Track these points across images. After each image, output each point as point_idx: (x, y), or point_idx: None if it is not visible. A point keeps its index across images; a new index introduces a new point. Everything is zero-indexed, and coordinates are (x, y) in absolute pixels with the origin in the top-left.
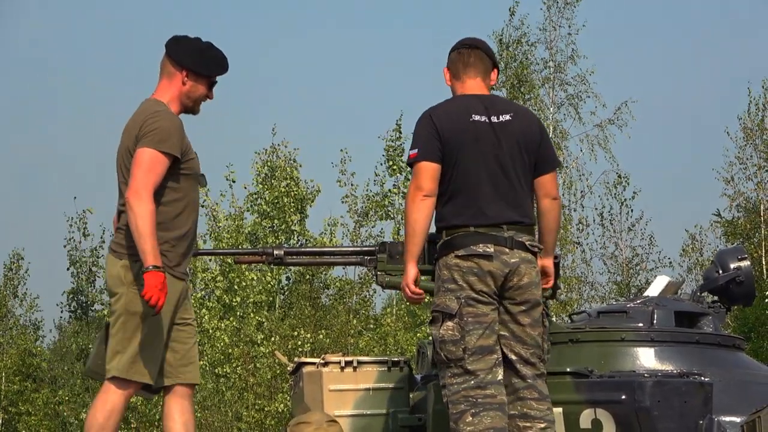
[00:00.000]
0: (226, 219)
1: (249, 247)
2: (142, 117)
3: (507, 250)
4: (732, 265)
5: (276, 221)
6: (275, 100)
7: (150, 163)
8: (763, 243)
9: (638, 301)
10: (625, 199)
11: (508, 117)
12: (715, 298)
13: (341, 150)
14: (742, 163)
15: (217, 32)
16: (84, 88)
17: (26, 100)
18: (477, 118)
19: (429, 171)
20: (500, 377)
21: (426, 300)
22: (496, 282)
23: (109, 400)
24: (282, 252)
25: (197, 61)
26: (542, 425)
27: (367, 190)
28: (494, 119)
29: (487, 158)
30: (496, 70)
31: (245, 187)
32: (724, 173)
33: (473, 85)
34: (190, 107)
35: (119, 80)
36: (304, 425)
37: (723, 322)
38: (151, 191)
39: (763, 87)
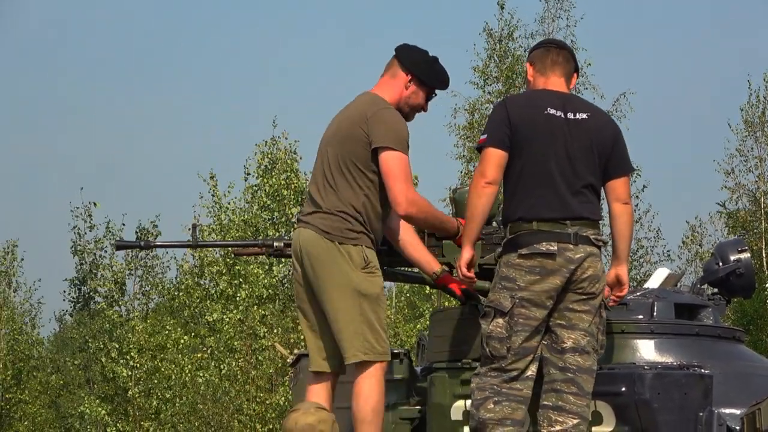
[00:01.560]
0: (233, 212)
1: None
2: (372, 108)
3: (571, 246)
4: (732, 257)
5: (276, 213)
6: (277, 92)
7: (406, 170)
8: (764, 235)
9: (638, 293)
10: (636, 192)
11: (584, 116)
12: (715, 290)
13: None
14: (742, 155)
15: (219, 26)
16: (85, 85)
17: (27, 96)
18: (552, 111)
19: (494, 158)
20: (531, 373)
21: (426, 291)
22: (562, 279)
23: (378, 382)
24: (282, 244)
25: (424, 70)
26: (575, 421)
27: None
28: (570, 116)
29: (557, 152)
30: (576, 75)
31: (245, 179)
32: (725, 165)
33: (557, 83)
34: (406, 113)
35: (119, 78)
36: (294, 412)
37: (723, 314)
38: (415, 193)
39: (764, 80)
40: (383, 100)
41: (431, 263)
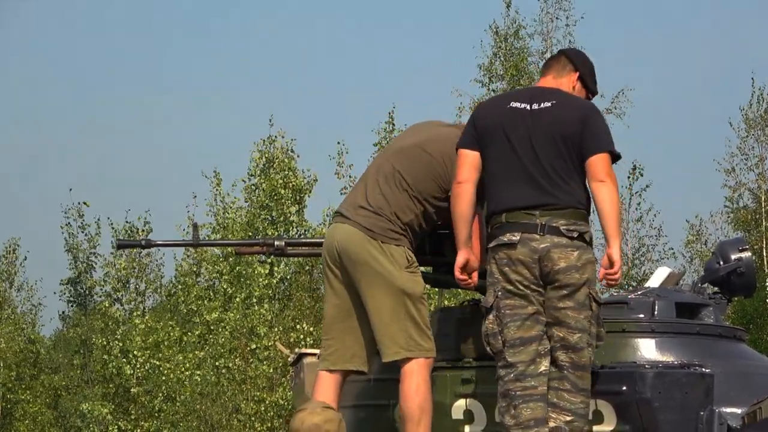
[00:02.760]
0: (236, 211)
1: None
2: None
3: (537, 236)
4: (733, 256)
5: (274, 212)
6: (273, 91)
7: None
8: (764, 234)
9: (639, 292)
10: (639, 191)
11: (548, 104)
12: (716, 289)
13: (338, 143)
14: (743, 154)
15: (217, 25)
16: (82, 84)
17: (23, 94)
18: (516, 105)
19: (463, 158)
20: (543, 368)
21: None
22: (530, 270)
23: (424, 380)
24: (283, 243)
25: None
26: (569, 417)
27: None
28: (534, 106)
29: (519, 143)
30: (575, 74)
31: (244, 180)
32: (725, 164)
33: (544, 82)
34: None
35: (116, 77)
36: (300, 411)
37: (724, 313)
38: None
39: None
40: None
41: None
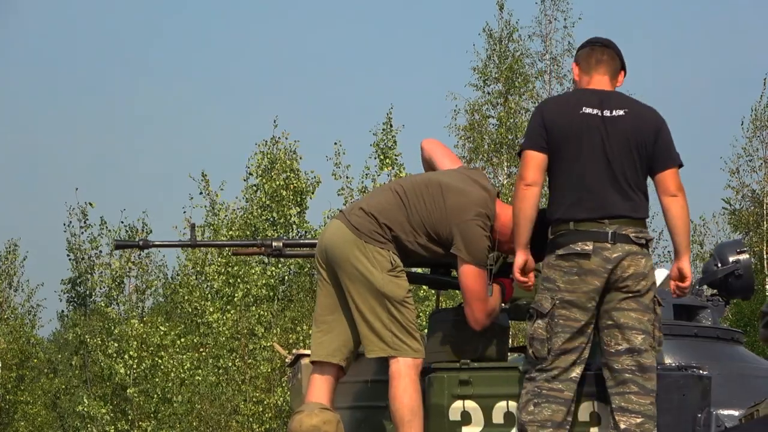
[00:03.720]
0: (230, 211)
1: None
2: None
3: (608, 245)
4: (731, 259)
5: (275, 214)
6: (278, 92)
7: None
8: (766, 236)
9: None
10: None
11: (621, 112)
12: (714, 291)
13: (335, 143)
14: (748, 155)
15: (219, 24)
16: (80, 84)
17: (20, 95)
18: (588, 110)
19: (532, 160)
20: (574, 375)
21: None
22: (600, 279)
23: (412, 381)
24: (281, 244)
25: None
26: (639, 419)
27: (362, 184)
28: (606, 113)
29: (592, 151)
30: (623, 73)
31: (245, 180)
32: (730, 164)
33: (600, 82)
34: None
35: (111, 75)
36: (298, 413)
37: (722, 316)
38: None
39: None
40: None
41: (499, 289)
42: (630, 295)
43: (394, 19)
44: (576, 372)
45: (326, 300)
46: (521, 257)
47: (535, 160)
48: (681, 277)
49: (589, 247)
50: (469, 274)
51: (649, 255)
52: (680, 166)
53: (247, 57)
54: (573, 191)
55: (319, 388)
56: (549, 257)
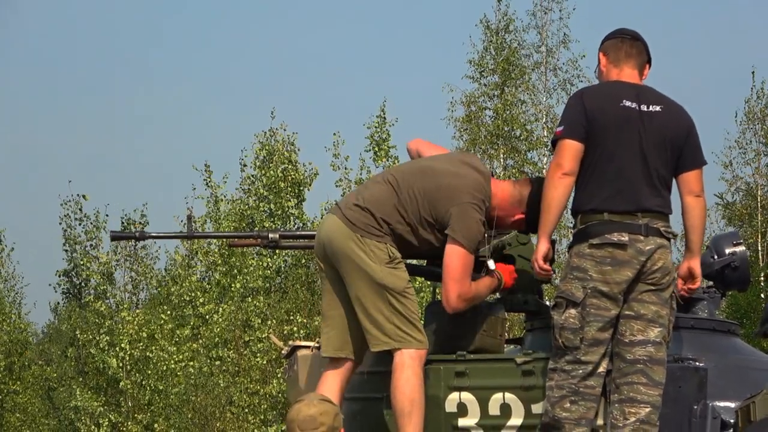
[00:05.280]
0: (228, 203)
1: (246, 230)
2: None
3: (642, 237)
4: (727, 251)
5: (272, 205)
6: (277, 91)
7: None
8: (760, 228)
9: None
10: None
11: (658, 108)
12: (710, 283)
13: (334, 134)
14: (741, 148)
15: (220, 21)
16: (80, 84)
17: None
18: (627, 104)
19: (571, 149)
20: (602, 369)
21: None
22: (633, 270)
23: (414, 373)
24: (277, 235)
25: None
26: (647, 410)
27: (359, 175)
28: (644, 108)
29: (630, 145)
30: (648, 66)
31: (243, 170)
32: (723, 157)
33: (630, 75)
34: None
35: (111, 74)
36: (298, 402)
37: (718, 308)
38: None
39: None
40: None
41: (491, 281)
42: (653, 288)
43: (392, 17)
44: (604, 366)
45: (329, 295)
46: (545, 245)
47: (574, 149)
48: (691, 276)
49: (625, 238)
50: (452, 252)
51: (671, 250)
52: (704, 165)
53: (247, 57)
54: (611, 183)
55: (329, 382)
56: (579, 246)
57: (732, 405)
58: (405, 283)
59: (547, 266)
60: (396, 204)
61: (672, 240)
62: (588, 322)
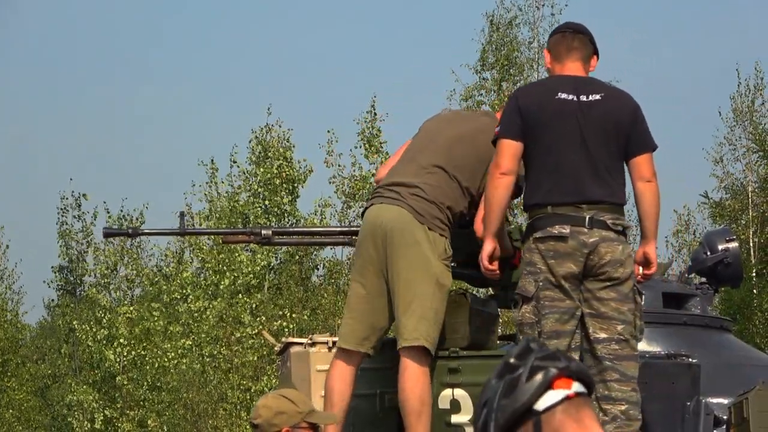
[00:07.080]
0: (222, 199)
1: (240, 227)
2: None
3: (585, 229)
4: (720, 247)
5: (267, 202)
6: (277, 91)
7: None
8: (750, 224)
9: None
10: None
11: (597, 97)
12: (703, 279)
13: (328, 131)
14: (731, 144)
15: (215, 18)
16: (80, 84)
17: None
18: (563, 96)
19: (507, 148)
20: None
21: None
22: (576, 264)
23: (424, 372)
24: (270, 232)
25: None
26: (624, 406)
27: (353, 172)
28: (582, 98)
29: (569, 136)
30: (596, 58)
31: (237, 165)
32: (713, 154)
33: (573, 69)
34: None
35: (111, 74)
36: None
37: (711, 304)
38: None
39: (755, 69)
40: None
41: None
42: (609, 283)
43: (391, 15)
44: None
45: (362, 289)
46: (490, 245)
47: (511, 149)
48: (646, 261)
49: (566, 230)
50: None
51: (626, 242)
52: (654, 149)
53: (247, 57)
54: (551, 177)
55: (341, 375)
56: (528, 241)
57: (725, 401)
58: (451, 283)
59: (493, 266)
60: (455, 190)
61: (623, 232)
62: (544, 315)
